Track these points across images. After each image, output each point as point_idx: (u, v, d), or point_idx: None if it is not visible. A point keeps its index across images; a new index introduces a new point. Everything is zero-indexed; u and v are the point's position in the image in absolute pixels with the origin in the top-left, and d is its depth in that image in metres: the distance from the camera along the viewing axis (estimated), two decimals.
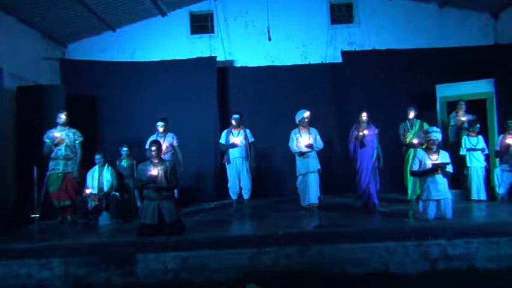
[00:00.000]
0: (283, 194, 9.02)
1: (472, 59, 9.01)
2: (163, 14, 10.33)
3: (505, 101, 8.20)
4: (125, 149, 7.97)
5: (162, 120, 7.75)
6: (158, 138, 7.30)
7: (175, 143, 7.78)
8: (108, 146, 8.46)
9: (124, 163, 7.94)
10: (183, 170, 7.58)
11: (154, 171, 5.68)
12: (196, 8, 10.46)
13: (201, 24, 10.53)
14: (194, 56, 9.73)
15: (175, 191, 6.77)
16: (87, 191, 7.03)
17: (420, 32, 9.97)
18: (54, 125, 7.20)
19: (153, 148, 5.83)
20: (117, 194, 7.23)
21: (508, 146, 7.52)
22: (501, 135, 7.75)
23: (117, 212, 7.06)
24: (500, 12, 10.15)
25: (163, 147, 7.14)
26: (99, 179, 7.15)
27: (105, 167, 7.28)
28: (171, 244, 5.23)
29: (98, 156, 7.24)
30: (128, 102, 9.27)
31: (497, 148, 7.73)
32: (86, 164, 7.30)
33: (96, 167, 7.25)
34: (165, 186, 5.72)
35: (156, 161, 5.84)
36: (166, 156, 7.27)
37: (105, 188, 7.17)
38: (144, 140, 7.62)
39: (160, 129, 7.72)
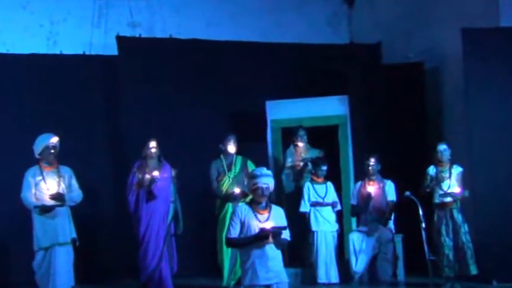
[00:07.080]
0: (9, 281, 8.17)
1: (317, 65, 9.35)
2: None
3: (362, 130, 8.60)
4: None
5: None
6: None
7: None
8: None
9: None
10: None
11: None
12: None
13: None
14: None
15: None
16: None
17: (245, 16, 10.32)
18: None
19: None
20: None
21: (369, 197, 7.75)
22: (358, 183, 8.03)
23: None
24: None
25: None
26: None
27: None
28: None
29: None
30: None
31: (353, 202, 7.98)
32: None
33: None
34: None
35: None
36: None
37: None
38: None
39: None
